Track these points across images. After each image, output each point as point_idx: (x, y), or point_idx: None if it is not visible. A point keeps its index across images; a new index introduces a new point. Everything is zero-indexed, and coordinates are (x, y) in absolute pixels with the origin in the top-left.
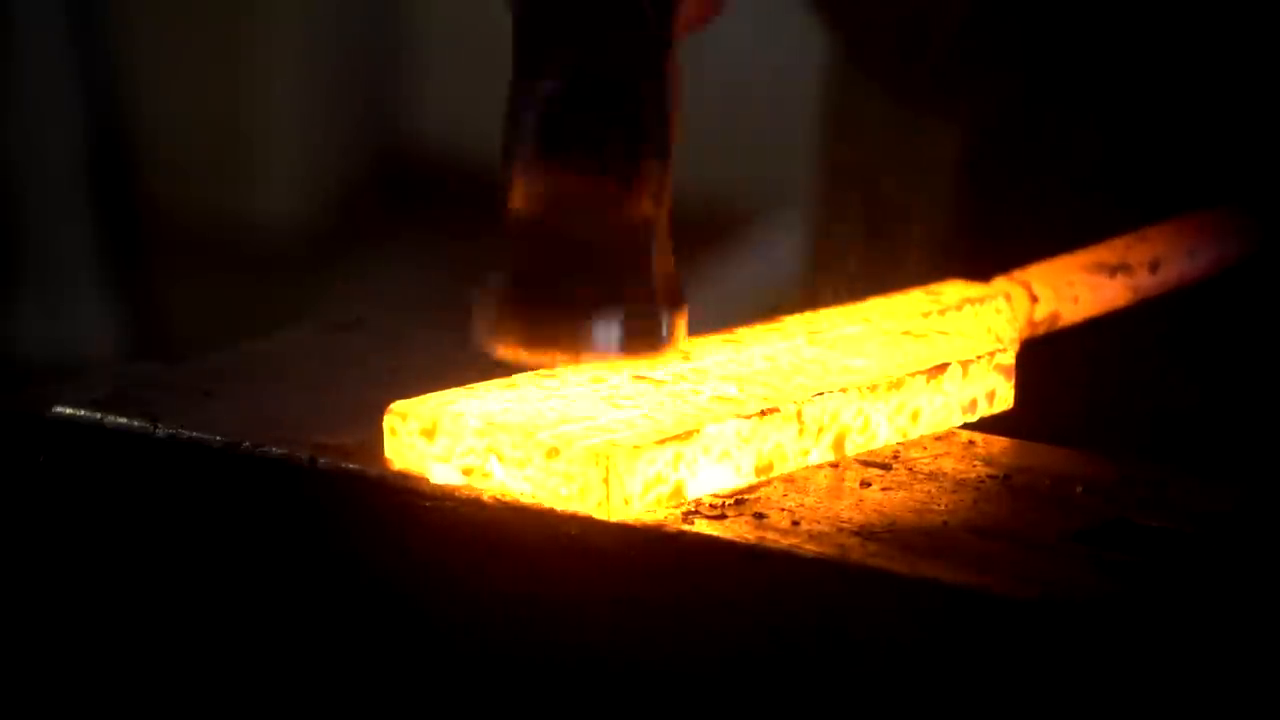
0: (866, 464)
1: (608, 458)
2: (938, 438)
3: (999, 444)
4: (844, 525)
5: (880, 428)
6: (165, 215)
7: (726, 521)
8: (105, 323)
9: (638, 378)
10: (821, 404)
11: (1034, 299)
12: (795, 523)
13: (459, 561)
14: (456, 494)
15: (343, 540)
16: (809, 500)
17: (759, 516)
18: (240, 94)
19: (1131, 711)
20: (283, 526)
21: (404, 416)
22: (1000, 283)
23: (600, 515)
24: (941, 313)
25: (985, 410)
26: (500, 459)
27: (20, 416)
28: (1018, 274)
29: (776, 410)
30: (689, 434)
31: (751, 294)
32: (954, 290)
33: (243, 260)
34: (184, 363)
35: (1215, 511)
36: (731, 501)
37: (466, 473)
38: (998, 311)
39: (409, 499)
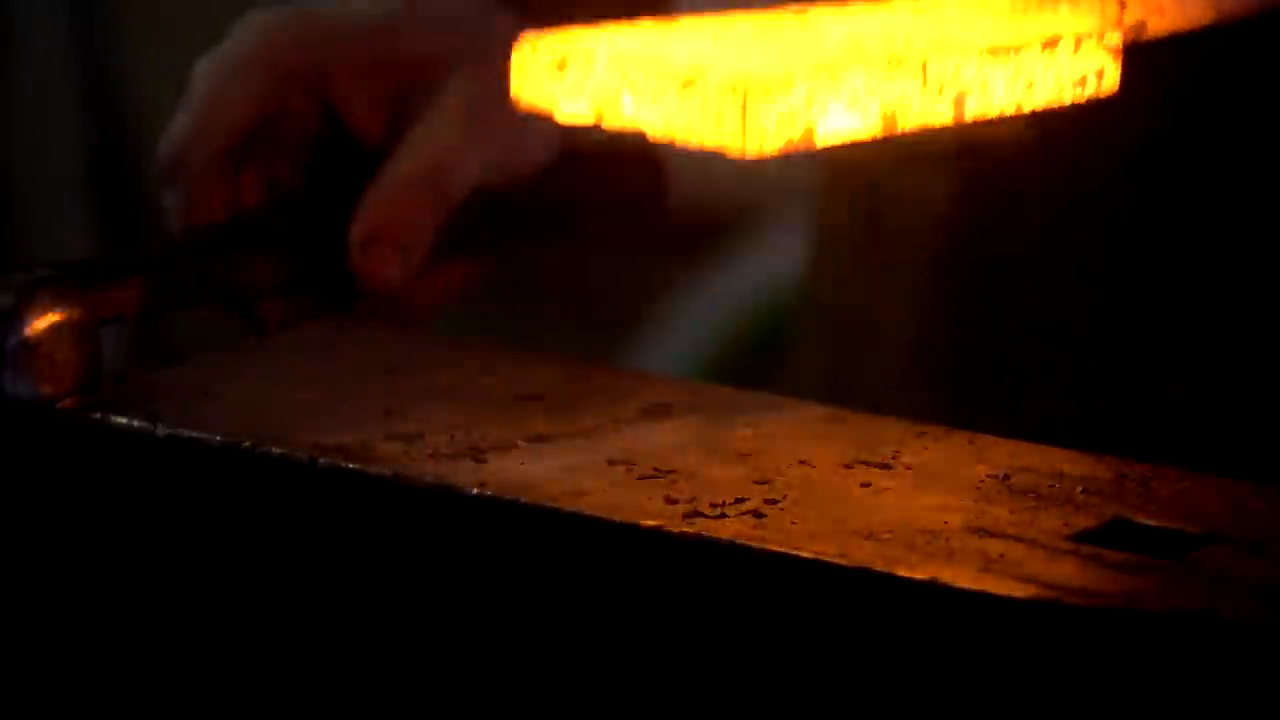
0: (866, 464)
1: (745, 89)
2: (938, 437)
3: (999, 444)
4: (844, 525)
5: (997, 91)
6: (165, 215)
7: (726, 521)
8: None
9: (758, 28)
10: (944, 60)
11: (1123, 4)
12: (794, 522)
13: (459, 562)
14: (457, 492)
15: (343, 540)
16: (809, 500)
17: (758, 516)
18: None
19: (1132, 713)
20: (283, 526)
21: (534, 49)
22: None
23: (735, 148)
24: (1039, 6)
25: (1093, 88)
26: (633, 93)
27: (20, 416)
28: None
29: (902, 62)
30: (822, 72)
31: (752, 295)
32: None
33: None
34: (184, 363)
35: (1216, 511)
36: (732, 501)
37: (597, 107)
38: (1090, 10)
39: (409, 499)
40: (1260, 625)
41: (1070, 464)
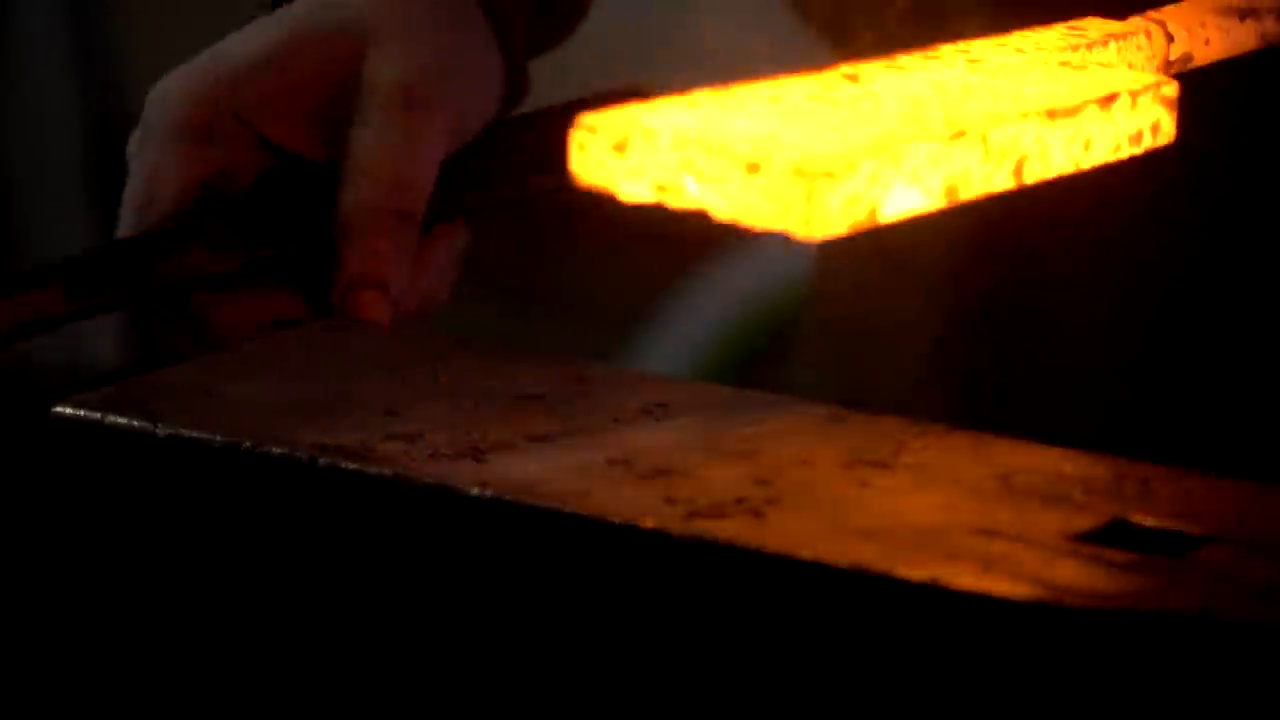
0: (867, 464)
1: (810, 174)
2: (938, 437)
3: (999, 444)
4: (844, 525)
5: (1056, 154)
6: None
7: (726, 521)
8: (105, 323)
9: (814, 98)
10: (1005, 130)
11: (1169, 38)
12: (794, 523)
13: (460, 562)
14: (457, 492)
15: (343, 540)
16: (809, 500)
17: (758, 516)
18: None
19: (1132, 713)
20: (283, 526)
21: (593, 130)
22: (1138, 20)
23: (801, 232)
24: (1089, 47)
25: (1149, 142)
26: (696, 176)
27: (20, 416)
28: (1153, 14)
29: (964, 134)
30: (886, 152)
31: (754, 297)
32: (1096, 26)
33: None
34: (184, 363)
35: (1216, 511)
36: (732, 501)
37: (660, 189)
38: (1138, 49)
39: (409, 499)
40: (1260, 625)
41: (1070, 464)
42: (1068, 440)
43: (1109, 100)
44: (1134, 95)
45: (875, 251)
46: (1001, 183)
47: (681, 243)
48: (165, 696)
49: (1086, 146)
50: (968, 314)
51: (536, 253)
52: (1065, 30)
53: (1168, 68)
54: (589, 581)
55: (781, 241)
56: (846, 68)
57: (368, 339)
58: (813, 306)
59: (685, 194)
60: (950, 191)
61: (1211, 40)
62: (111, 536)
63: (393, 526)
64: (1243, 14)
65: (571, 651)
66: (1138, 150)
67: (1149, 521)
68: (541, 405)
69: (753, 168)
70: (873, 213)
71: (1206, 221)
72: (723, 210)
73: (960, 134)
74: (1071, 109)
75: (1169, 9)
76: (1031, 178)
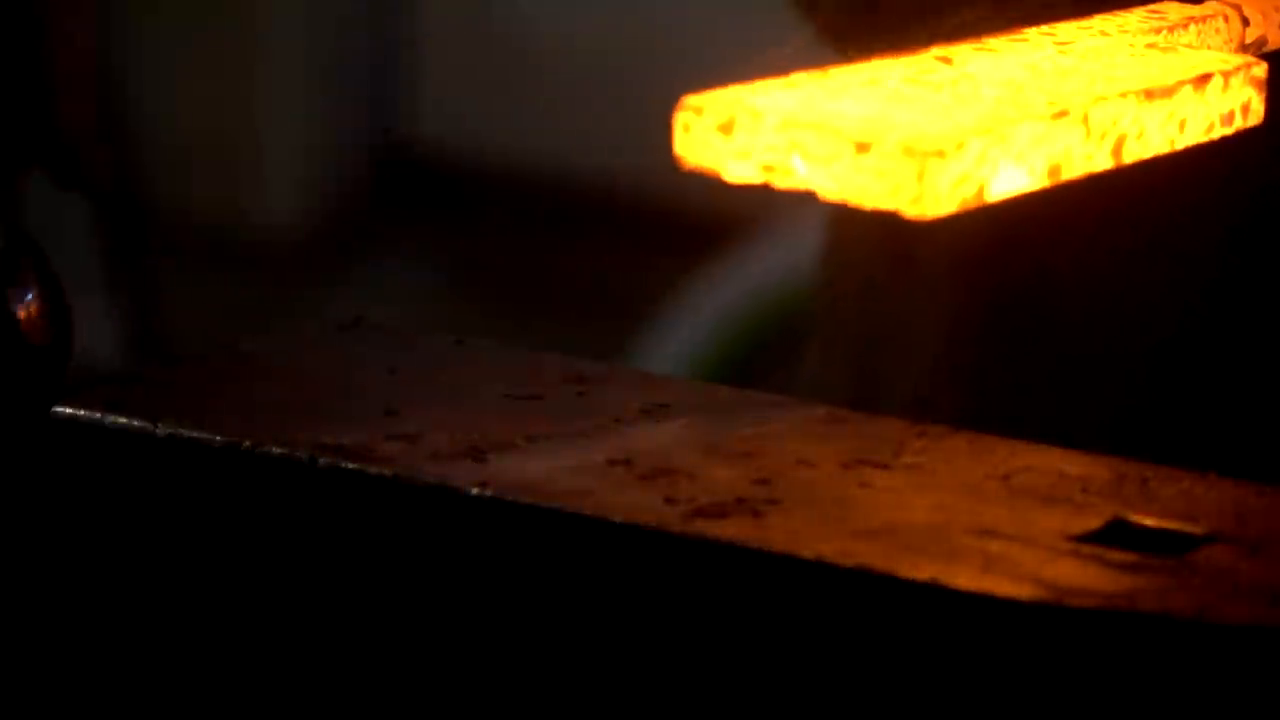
0: (867, 464)
1: (921, 152)
2: (938, 437)
3: (999, 444)
4: (844, 525)
5: (1153, 135)
6: (165, 215)
7: (726, 521)
8: (105, 323)
9: (912, 80)
10: (1104, 108)
11: (1245, 22)
12: (794, 523)
13: (460, 562)
14: (457, 492)
15: (343, 541)
16: (809, 500)
17: (758, 516)
18: (240, 94)
19: (1132, 713)
20: (283, 526)
21: (699, 111)
22: (1214, 4)
23: (913, 211)
24: (1171, 30)
25: (1240, 123)
26: (804, 156)
27: (20, 416)
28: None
29: (1066, 113)
30: (992, 129)
31: (757, 297)
32: (1176, 10)
33: (243, 260)
34: (184, 363)
35: (1216, 511)
36: (732, 501)
37: (768, 169)
38: (1216, 31)
39: (409, 499)
40: (1260, 626)
41: (1070, 464)
42: (1068, 440)
43: (1203, 80)
44: (1226, 76)
45: (885, 250)
46: (1101, 162)
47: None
48: (165, 696)
49: (1182, 127)
50: (978, 313)
51: (536, 253)
52: (1146, 13)
53: (1244, 50)
54: (589, 581)
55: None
56: (938, 50)
57: (368, 339)
58: (823, 306)
59: (794, 174)
60: (1054, 171)
61: None
62: (111, 536)
63: (393, 526)
64: None
65: (572, 651)
66: (1229, 131)
67: (1149, 521)
68: (541, 405)
69: (863, 147)
70: (981, 191)
71: (1214, 225)
72: (832, 190)
73: (1063, 113)
74: (1168, 89)
75: None
76: (1130, 157)
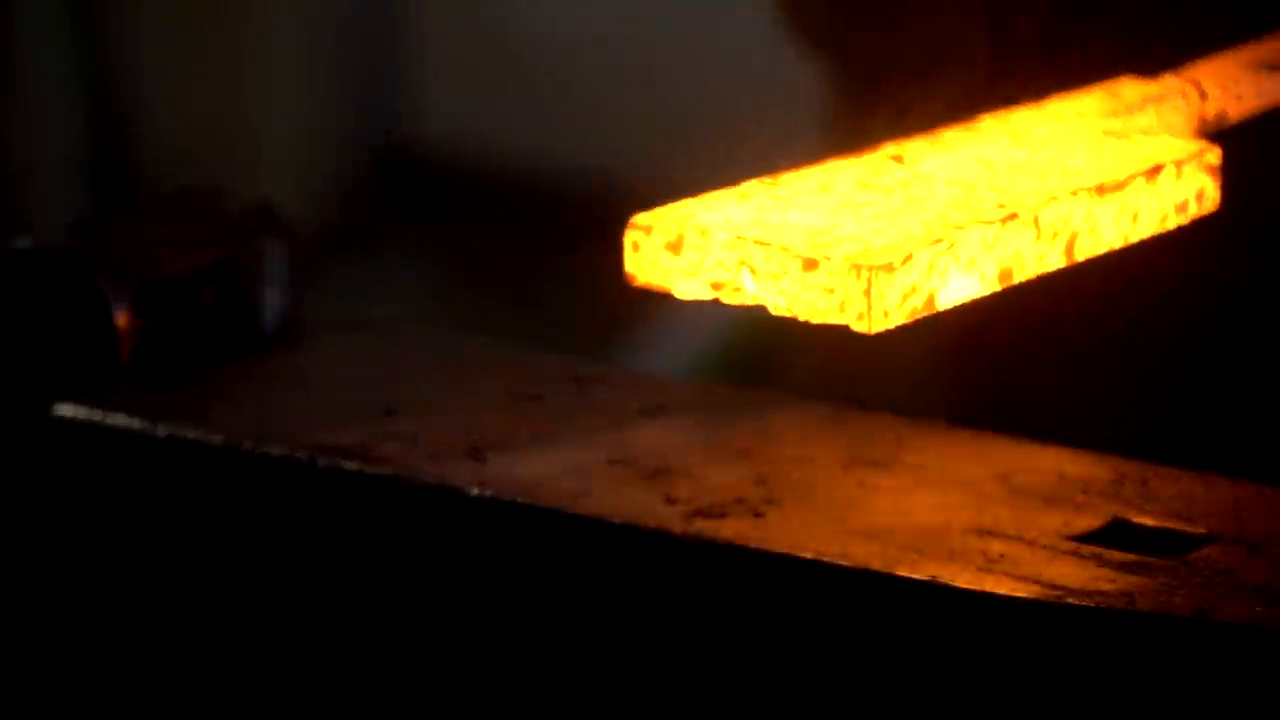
0: (867, 464)
1: (868, 268)
2: (938, 437)
3: (999, 444)
4: (844, 525)
5: (1106, 230)
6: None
7: (726, 521)
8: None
9: (864, 184)
10: (1055, 208)
11: (1204, 96)
12: (794, 523)
13: (460, 562)
14: (457, 492)
15: (343, 540)
16: (809, 500)
17: (758, 516)
18: (240, 93)
19: (1132, 713)
20: (283, 526)
21: (648, 230)
22: (1172, 80)
23: (860, 326)
24: (1128, 111)
25: (1194, 211)
26: (753, 272)
27: (20, 416)
28: (1186, 71)
29: (1016, 216)
30: (940, 239)
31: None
32: (1133, 89)
33: None
34: (184, 363)
35: (1216, 511)
36: (732, 501)
37: (717, 286)
38: (1175, 110)
39: (409, 499)
40: (1260, 625)
41: (1070, 464)
42: (1068, 440)
43: (1155, 171)
44: (1179, 165)
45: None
46: (1054, 262)
47: None
48: (166, 695)
49: (1135, 219)
50: (960, 322)
51: (537, 252)
52: (1103, 95)
53: (1204, 126)
54: (589, 581)
55: None
56: (891, 148)
57: (368, 339)
58: None
59: (743, 291)
60: (1005, 275)
61: (1244, 96)
62: (111, 536)
63: (393, 526)
64: (1272, 68)
65: (572, 650)
66: (1184, 219)
67: (1149, 521)
68: (541, 405)
69: (810, 264)
70: (930, 301)
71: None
72: (781, 306)
73: (1013, 216)
74: (1119, 183)
75: (1201, 66)
76: (1083, 254)
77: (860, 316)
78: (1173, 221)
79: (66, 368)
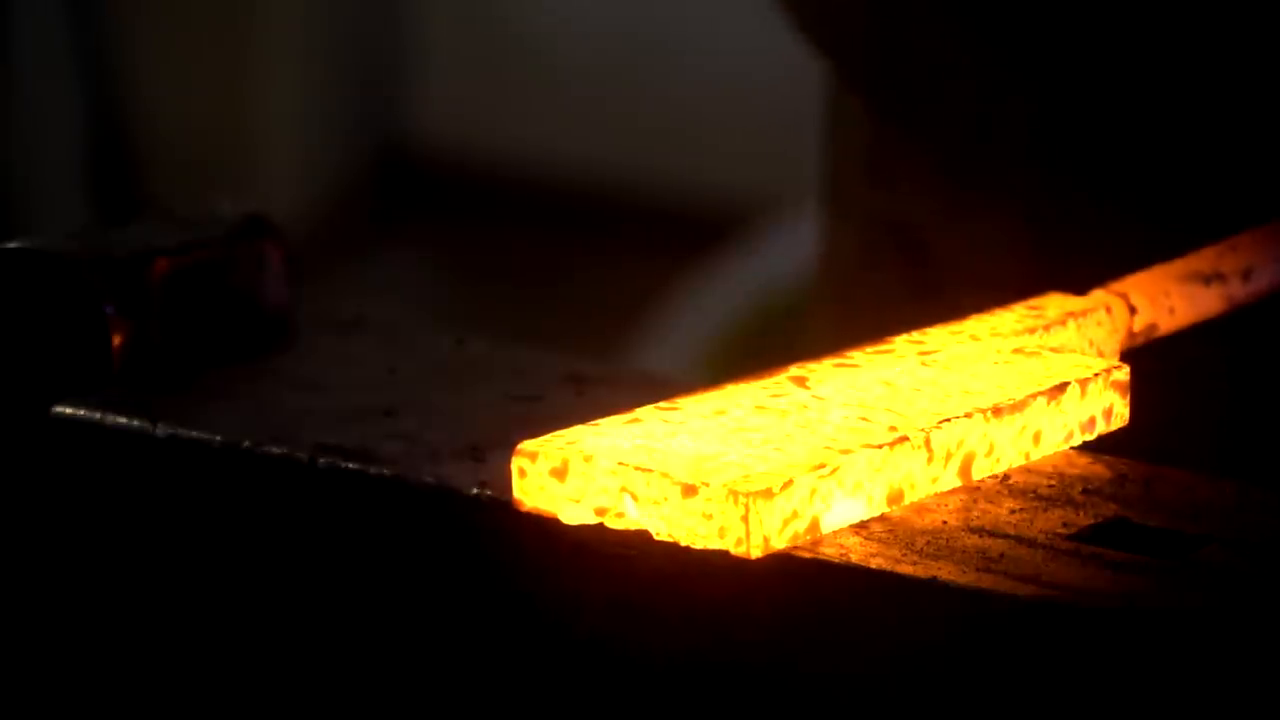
0: None
1: (746, 495)
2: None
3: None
4: (844, 525)
5: (1004, 450)
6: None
7: None
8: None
9: (760, 408)
10: (948, 430)
11: (1132, 310)
12: None
13: (460, 562)
14: (457, 492)
15: (343, 541)
16: None
17: None
18: (240, 94)
19: (1132, 712)
20: (283, 526)
21: (533, 457)
22: (1099, 295)
23: (739, 550)
24: (1046, 328)
25: (1102, 428)
26: (635, 498)
27: (20, 416)
28: (1114, 285)
29: (906, 439)
30: (823, 468)
31: (754, 294)
32: (1056, 304)
33: None
34: (184, 363)
35: (1216, 511)
36: None
37: (600, 513)
38: (1099, 324)
39: (409, 499)
40: (1259, 625)
41: (1070, 464)
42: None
43: (1057, 391)
44: (1083, 384)
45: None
46: (949, 482)
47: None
48: (165, 696)
49: (1036, 440)
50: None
51: (537, 252)
52: (1024, 311)
53: (1132, 339)
54: (585, 581)
55: (782, 241)
56: (796, 369)
57: (368, 339)
58: (816, 304)
59: (626, 516)
60: (894, 496)
61: (1176, 309)
62: (111, 536)
63: (393, 526)
64: (1208, 279)
65: (572, 650)
66: (1091, 437)
67: (1149, 521)
68: (541, 405)
69: (689, 490)
70: (814, 525)
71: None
72: (663, 531)
73: (903, 439)
74: (1018, 404)
75: (1131, 279)
76: (980, 474)
77: (739, 542)
78: (1079, 439)
79: (62, 368)
